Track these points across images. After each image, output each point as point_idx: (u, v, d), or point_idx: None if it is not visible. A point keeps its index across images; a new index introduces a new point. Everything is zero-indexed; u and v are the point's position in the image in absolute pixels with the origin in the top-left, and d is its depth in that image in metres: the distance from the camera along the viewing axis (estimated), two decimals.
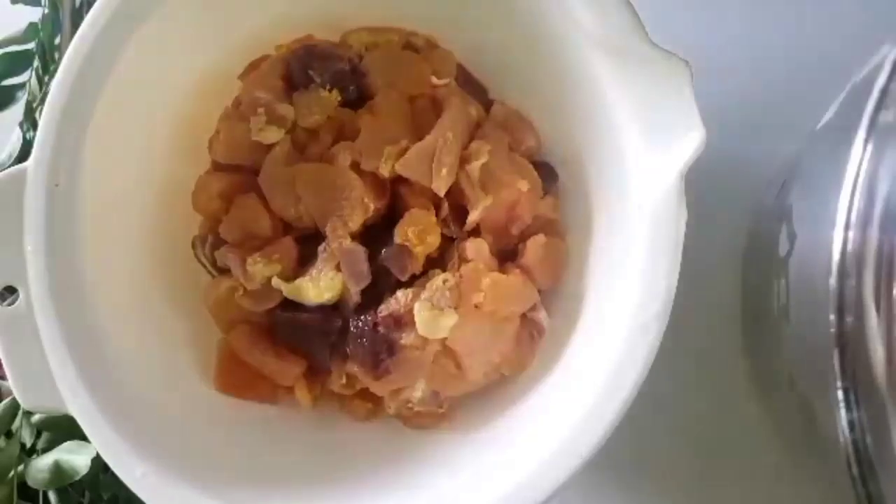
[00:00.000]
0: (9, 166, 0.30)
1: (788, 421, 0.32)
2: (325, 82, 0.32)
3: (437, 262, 0.32)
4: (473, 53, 0.34)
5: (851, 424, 0.20)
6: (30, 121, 0.42)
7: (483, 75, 0.34)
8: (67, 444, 0.36)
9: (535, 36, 0.29)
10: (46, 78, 0.42)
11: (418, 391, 0.31)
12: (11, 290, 0.29)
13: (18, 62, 0.43)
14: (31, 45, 0.43)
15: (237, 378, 0.33)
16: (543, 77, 0.31)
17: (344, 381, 0.32)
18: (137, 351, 0.31)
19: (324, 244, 0.31)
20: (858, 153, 0.21)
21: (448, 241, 0.31)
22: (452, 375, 0.31)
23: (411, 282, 0.31)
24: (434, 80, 0.33)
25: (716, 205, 0.36)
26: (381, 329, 0.30)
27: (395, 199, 0.32)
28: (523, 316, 0.31)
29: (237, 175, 0.33)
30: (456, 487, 0.27)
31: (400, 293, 0.30)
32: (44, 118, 0.29)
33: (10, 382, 0.29)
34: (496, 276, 0.30)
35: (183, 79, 0.33)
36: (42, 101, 0.41)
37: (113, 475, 0.27)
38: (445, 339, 0.30)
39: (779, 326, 0.30)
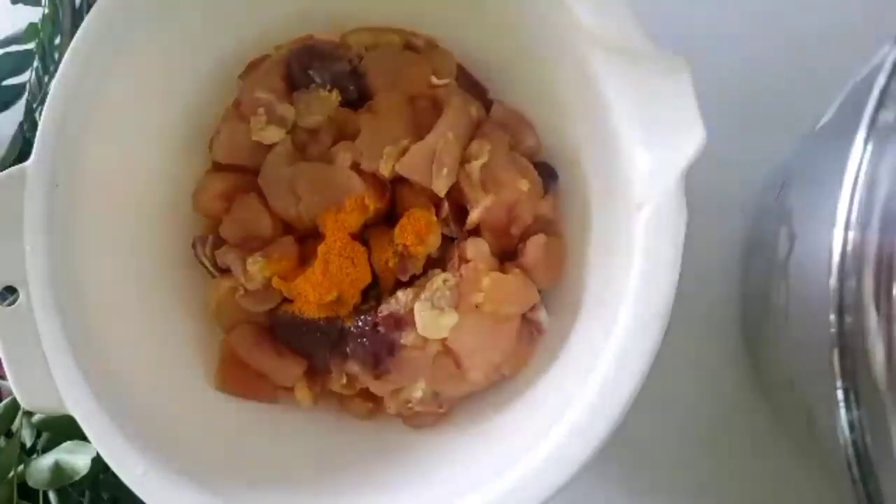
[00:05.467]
0: (9, 166, 0.30)
1: (788, 421, 0.32)
2: (325, 82, 0.32)
3: (437, 262, 0.32)
4: (473, 53, 0.34)
5: (851, 424, 0.20)
6: (30, 121, 0.42)
7: (483, 75, 0.34)
8: (67, 444, 0.36)
9: (535, 36, 0.29)
10: (46, 78, 0.42)
11: (418, 391, 0.31)
12: (11, 290, 0.29)
13: (18, 62, 0.43)
14: (31, 45, 0.43)
15: (238, 378, 0.33)
16: (543, 77, 0.31)
17: (344, 381, 0.32)
18: (137, 351, 0.31)
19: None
20: (858, 153, 0.21)
21: (448, 241, 0.32)
22: (452, 375, 0.31)
23: (411, 282, 0.31)
24: (434, 80, 0.33)
25: (716, 205, 0.36)
26: (381, 329, 0.30)
27: (395, 199, 0.32)
28: (523, 316, 0.31)
29: (237, 175, 0.33)
30: (456, 487, 0.27)
31: (400, 293, 0.30)
32: (44, 118, 0.29)
33: (10, 382, 0.29)
34: (496, 276, 0.30)
35: (183, 79, 0.33)
36: (42, 101, 0.41)
37: (113, 475, 0.27)
38: (445, 339, 0.30)
39: (779, 326, 0.30)
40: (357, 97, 0.33)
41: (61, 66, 0.29)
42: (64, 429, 0.37)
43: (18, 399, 0.29)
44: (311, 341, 0.32)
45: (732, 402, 0.37)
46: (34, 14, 0.43)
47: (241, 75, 0.34)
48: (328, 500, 0.29)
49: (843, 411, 0.20)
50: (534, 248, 0.31)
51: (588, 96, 0.28)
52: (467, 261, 0.30)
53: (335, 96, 0.33)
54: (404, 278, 0.31)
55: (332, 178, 0.31)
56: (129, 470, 0.27)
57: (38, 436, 0.38)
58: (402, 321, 0.30)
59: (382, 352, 0.30)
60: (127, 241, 0.32)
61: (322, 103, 0.32)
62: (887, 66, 0.21)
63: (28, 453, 0.38)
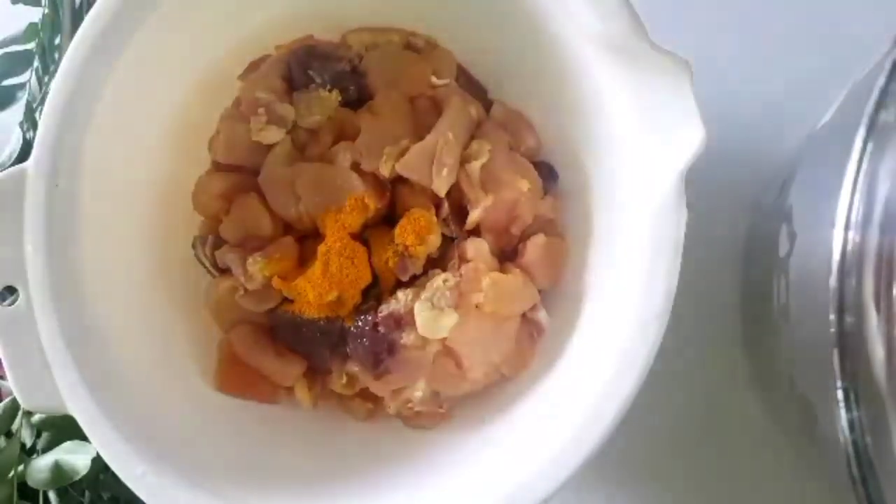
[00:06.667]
0: (9, 166, 0.30)
1: (788, 421, 0.32)
2: (325, 82, 0.32)
3: (437, 262, 0.32)
4: (473, 53, 0.34)
5: (851, 424, 0.20)
6: (30, 121, 0.42)
7: (483, 75, 0.34)
8: (67, 444, 0.36)
9: (535, 36, 0.29)
10: (46, 78, 0.42)
11: (418, 391, 0.31)
12: (11, 290, 0.29)
13: (18, 62, 0.43)
14: (31, 45, 0.43)
15: (237, 378, 0.33)
16: (543, 77, 0.31)
17: (344, 381, 0.32)
18: (137, 351, 0.31)
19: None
20: (858, 153, 0.21)
21: (448, 241, 0.32)
22: (452, 375, 0.31)
23: (411, 282, 0.31)
24: (434, 80, 0.33)
25: (716, 205, 0.37)
26: (381, 329, 0.30)
27: (395, 199, 0.32)
28: (523, 316, 0.31)
29: (237, 175, 0.33)
30: (456, 487, 0.27)
31: (400, 293, 0.30)
32: (44, 118, 0.29)
33: (10, 382, 0.29)
34: (496, 276, 0.30)
35: (183, 79, 0.33)
36: (42, 101, 0.41)
37: (113, 475, 0.27)
38: (445, 339, 0.30)
39: (779, 326, 0.30)
40: (357, 97, 0.33)
41: (61, 65, 0.29)
42: (64, 429, 0.37)
43: (18, 399, 0.29)
44: (311, 341, 0.32)
45: (732, 402, 0.37)
46: (34, 14, 0.43)
47: (241, 75, 0.34)
48: (328, 501, 0.29)
49: (843, 411, 0.20)
50: (534, 248, 0.31)
51: (588, 96, 0.28)
52: (467, 261, 0.30)
53: (335, 96, 0.33)
54: (404, 278, 0.31)
55: (332, 178, 0.31)
56: (129, 470, 0.27)
57: (38, 436, 0.38)
58: (402, 321, 0.30)
59: (382, 352, 0.30)
60: (127, 241, 0.32)
61: (322, 103, 0.32)
62: (887, 66, 0.21)
63: (28, 453, 0.38)
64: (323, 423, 0.33)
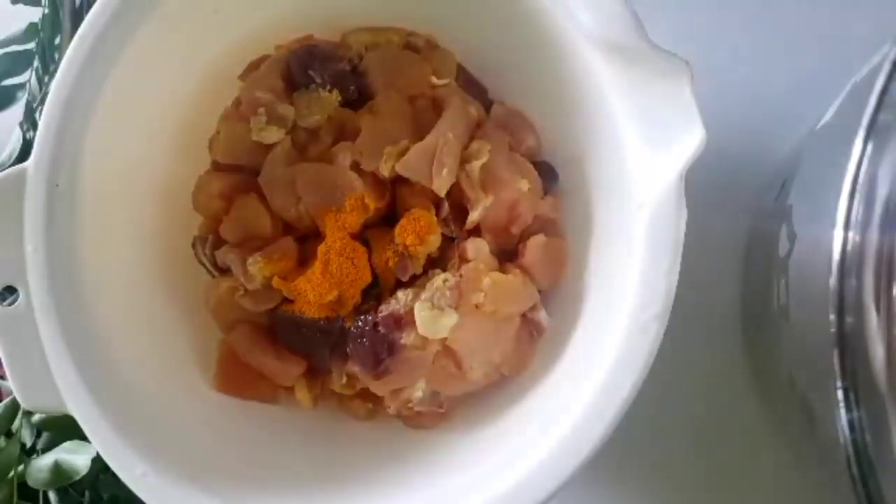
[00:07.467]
0: (9, 166, 0.30)
1: (788, 421, 0.32)
2: (325, 82, 0.32)
3: (437, 262, 0.32)
4: (473, 53, 0.34)
5: (851, 424, 0.20)
6: (30, 121, 0.42)
7: (483, 75, 0.34)
8: (67, 444, 0.36)
9: (535, 36, 0.29)
10: (46, 78, 0.42)
11: (418, 391, 0.31)
12: (11, 290, 0.29)
13: (18, 62, 0.43)
14: (31, 45, 0.43)
15: (237, 378, 0.33)
16: (543, 77, 0.31)
17: (344, 381, 0.32)
18: (137, 351, 0.31)
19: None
20: (858, 153, 0.21)
21: (448, 241, 0.32)
22: (452, 375, 0.31)
23: (411, 282, 0.31)
24: (434, 80, 0.33)
25: (716, 205, 0.36)
26: (381, 329, 0.30)
27: (395, 199, 0.32)
28: (523, 316, 0.31)
29: (237, 175, 0.33)
30: (456, 487, 0.27)
31: (400, 293, 0.30)
32: (44, 118, 0.29)
33: (10, 382, 0.29)
34: (496, 276, 0.30)
35: (183, 79, 0.33)
36: (42, 101, 0.41)
37: (113, 475, 0.27)
38: (445, 339, 0.30)
39: (779, 326, 0.30)
40: (357, 97, 0.33)
41: (61, 65, 0.29)
42: (64, 429, 0.37)
43: (18, 399, 0.29)
44: (311, 341, 0.32)
45: (732, 402, 0.37)
46: (34, 14, 0.43)
47: (241, 75, 0.34)
48: (328, 500, 0.29)
49: (843, 411, 0.20)
50: (534, 249, 0.31)
51: (588, 96, 0.28)
52: (467, 261, 0.31)
53: (335, 96, 0.33)
54: (404, 278, 0.31)
55: (332, 178, 0.31)
56: (129, 470, 0.27)
57: (38, 436, 0.38)
58: (402, 321, 0.30)
59: (382, 352, 0.30)
60: (126, 241, 0.32)
61: (322, 103, 0.32)
62: (887, 67, 0.21)
63: (28, 453, 0.38)
64: (323, 423, 0.33)
